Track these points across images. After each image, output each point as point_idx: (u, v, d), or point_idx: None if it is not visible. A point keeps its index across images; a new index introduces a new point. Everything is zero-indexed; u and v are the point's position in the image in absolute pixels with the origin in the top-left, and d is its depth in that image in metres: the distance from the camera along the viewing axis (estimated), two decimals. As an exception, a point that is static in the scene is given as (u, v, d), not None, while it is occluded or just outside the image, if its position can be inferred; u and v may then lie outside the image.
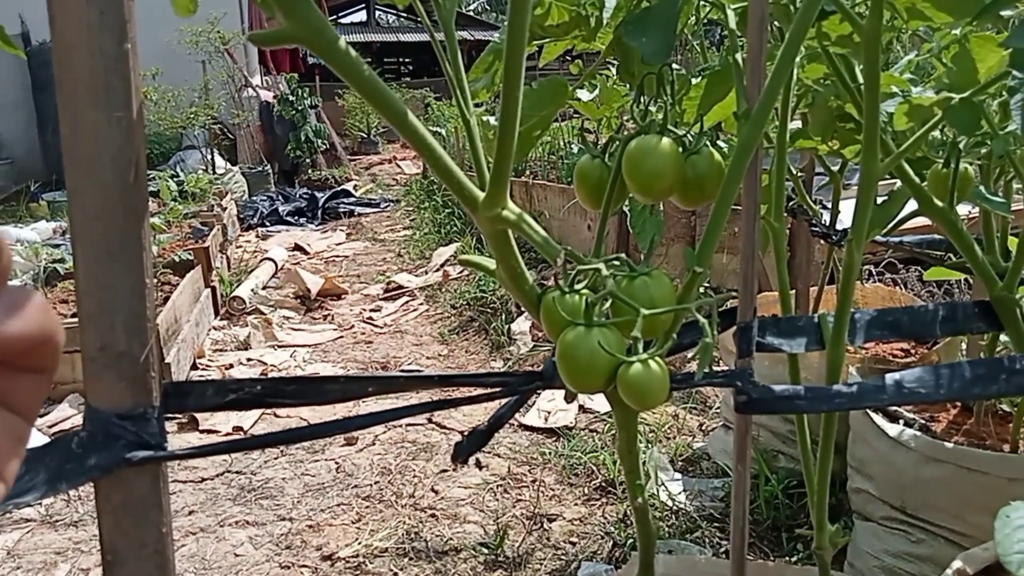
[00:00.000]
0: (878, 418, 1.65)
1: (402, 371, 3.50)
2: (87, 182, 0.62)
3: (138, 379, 0.65)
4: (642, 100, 0.76)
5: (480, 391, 0.78)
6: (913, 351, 2.10)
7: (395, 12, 18.60)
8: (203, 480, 2.56)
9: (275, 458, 2.68)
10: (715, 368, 2.93)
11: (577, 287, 0.66)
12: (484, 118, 0.95)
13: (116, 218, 0.62)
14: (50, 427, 2.86)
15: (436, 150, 0.57)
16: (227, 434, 2.84)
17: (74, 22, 0.60)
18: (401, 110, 0.56)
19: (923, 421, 1.65)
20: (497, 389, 0.77)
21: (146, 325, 0.65)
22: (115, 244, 0.63)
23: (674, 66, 0.94)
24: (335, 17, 17.16)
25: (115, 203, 0.62)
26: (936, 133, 1.05)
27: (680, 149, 0.71)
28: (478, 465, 2.50)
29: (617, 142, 0.74)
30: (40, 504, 2.36)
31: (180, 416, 2.92)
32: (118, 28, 0.61)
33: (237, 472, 2.59)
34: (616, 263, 0.69)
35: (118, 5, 0.61)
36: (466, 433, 0.80)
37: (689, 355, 0.74)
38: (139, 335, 0.65)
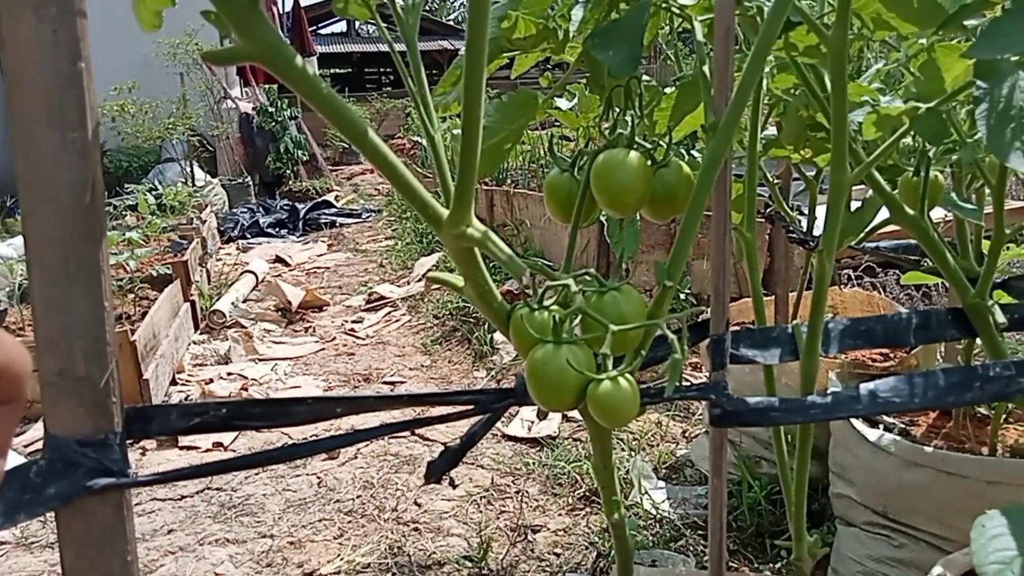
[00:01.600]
0: (858, 423, 1.65)
1: (384, 383, 3.48)
2: (42, 204, 0.60)
3: (98, 404, 0.64)
4: (611, 113, 0.75)
5: (454, 409, 0.77)
6: (892, 356, 2.11)
7: (369, 19, 18.56)
8: (182, 497, 2.52)
9: (256, 474, 2.64)
10: (697, 375, 2.91)
11: (546, 303, 0.65)
12: (456, 131, 0.94)
13: (73, 241, 0.61)
14: (26, 447, 2.82)
15: (397, 168, 0.56)
16: (207, 450, 2.81)
17: (25, 39, 0.59)
18: (362, 127, 0.55)
19: (903, 426, 1.66)
20: (470, 407, 0.76)
21: (106, 349, 0.63)
22: (72, 267, 0.61)
23: (645, 77, 0.93)
24: (315, 28, 17.11)
25: (71, 225, 0.61)
26: (908, 140, 1.05)
27: (648, 162, 0.71)
28: (451, 484, 2.47)
29: (586, 156, 0.73)
30: (16, 526, 2.31)
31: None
32: (71, 47, 0.59)
33: (217, 489, 2.56)
34: (586, 278, 0.68)
35: (71, 23, 0.59)
36: (440, 451, 0.79)
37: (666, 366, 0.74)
38: (99, 359, 0.63)
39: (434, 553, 2.13)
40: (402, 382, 3.47)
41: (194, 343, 4.00)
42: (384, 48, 17.16)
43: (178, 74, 7.95)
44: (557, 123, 1.17)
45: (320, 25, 18.97)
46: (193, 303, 4.17)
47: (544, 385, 0.61)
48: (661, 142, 0.76)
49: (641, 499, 2.21)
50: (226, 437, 2.88)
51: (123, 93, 6.81)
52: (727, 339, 0.76)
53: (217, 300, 4.48)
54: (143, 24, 0.75)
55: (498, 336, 3.66)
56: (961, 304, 0.92)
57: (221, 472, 0.82)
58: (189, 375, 3.60)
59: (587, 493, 2.35)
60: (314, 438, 0.83)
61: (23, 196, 0.61)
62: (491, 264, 0.70)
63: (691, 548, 2.01)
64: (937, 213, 1.56)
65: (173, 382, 3.47)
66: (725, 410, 0.75)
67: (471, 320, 3.94)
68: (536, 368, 0.60)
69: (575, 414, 2.85)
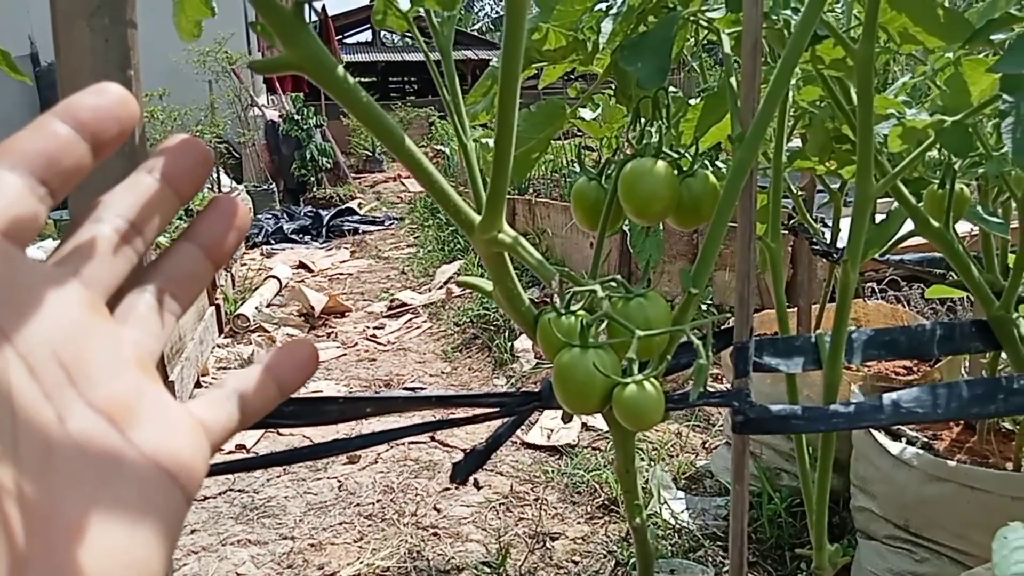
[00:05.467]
0: (880, 436, 1.65)
1: (405, 389, 3.51)
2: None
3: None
4: (639, 123, 0.77)
5: (479, 411, 0.79)
6: (916, 368, 2.09)
7: (406, 30, 18.75)
8: (205, 498, 2.55)
9: (277, 476, 2.67)
10: (717, 386, 2.92)
11: (573, 308, 0.67)
12: (484, 140, 0.96)
13: (118, 241, 0.63)
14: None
15: (433, 174, 0.58)
16: (229, 452, 2.84)
17: (78, 49, 0.61)
18: (399, 136, 0.57)
19: (925, 439, 1.65)
20: (495, 409, 0.78)
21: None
22: (117, 267, 0.64)
23: (671, 89, 0.95)
24: (341, 37, 17.31)
25: (117, 226, 0.63)
26: (934, 153, 1.06)
27: (675, 172, 0.72)
28: (476, 485, 2.49)
29: (613, 164, 0.75)
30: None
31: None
32: (122, 55, 0.62)
33: (239, 491, 2.59)
34: (612, 284, 0.69)
35: (122, 33, 0.62)
36: (466, 452, 0.81)
37: (689, 373, 0.75)
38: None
39: (453, 558, 2.15)
40: (423, 388, 3.49)
41: (218, 347, 4.05)
42: (408, 58, 17.31)
43: (207, 82, 8.09)
44: (579, 133, 1.18)
45: (346, 34, 19.19)
46: (218, 307, 4.23)
47: (571, 388, 0.62)
48: (687, 152, 0.77)
49: (660, 509, 2.21)
50: (248, 440, 2.92)
51: (153, 99, 6.93)
52: (751, 347, 0.77)
53: (241, 304, 4.54)
54: (182, 33, 0.78)
55: (518, 344, 3.67)
56: (986, 317, 0.92)
57: (247, 470, 0.84)
58: (213, 378, 3.64)
59: (606, 502, 2.35)
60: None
61: (72, 200, 0.63)
62: (515, 270, 0.72)
63: (710, 559, 2.01)
64: (963, 227, 1.55)
65: (198, 384, 3.52)
66: (748, 417, 0.75)
67: (492, 328, 3.96)
68: (563, 371, 0.62)
69: (595, 424, 2.86)
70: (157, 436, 0.25)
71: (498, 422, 0.81)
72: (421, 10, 0.71)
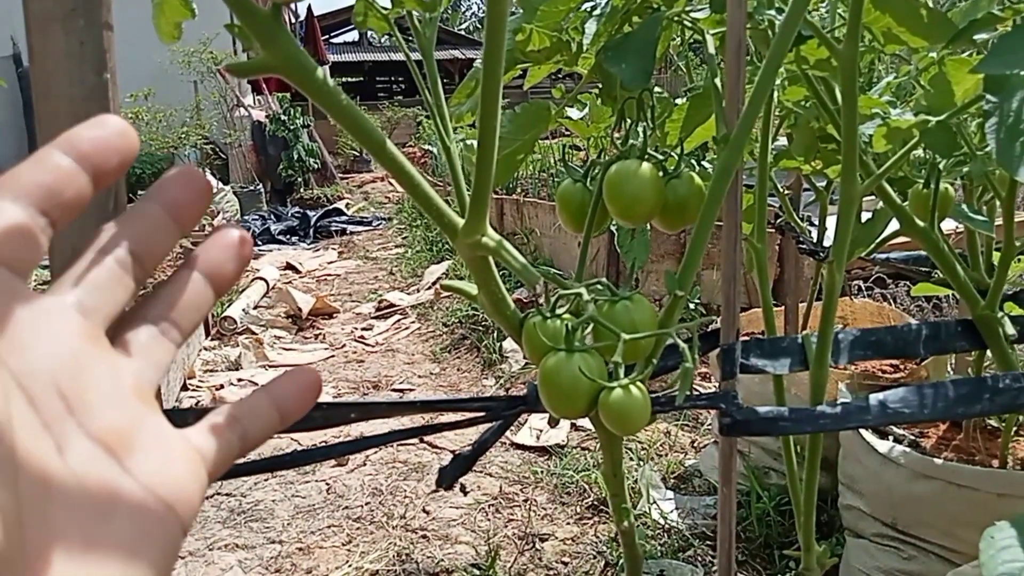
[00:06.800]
0: (868, 434, 1.65)
1: (393, 390, 3.49)
2: (66, 211, 0.61)
3: (118, 408, 0.65)
4: (623, 124, 0.76)
5: (464, 416, 0.78)
6: (902, 366, 2.10)
7: (387, 32, 18.71)
8: (193, 503, 2.53)
9: (265, 480, 2.66)
10: (707, 386, 2.92)
11: (559, 312, 0.66)
12: (469, 141, 0.95)
13: (96, 247, 0.62)
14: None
15: (415, 178, 0.57)
16: (217, 456, 2.82)
17: (53, 52, 0.60)
18: (380, 139, 0.56)
19: (913, 437, 1.65)
20: (481, 414, 0.77)
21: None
22: (95, 273, 0.63)
23: (657, 89, 0.94)
24: (327, 37, 17.24)
25: (94, 233, 0.62)
26: (919, 152, 1.06)
27: (660, 173, 0.72)
28: (462, 490, 2.48)
29: (598, 166, 0.74)
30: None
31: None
32: (98, 58, 0.61)
33: (227, 494, 2.57)
34: (598, 287, 0.69)
35: (98, 36, 0.61)
36: (454, 454, 0.80)
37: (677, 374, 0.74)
38: (119, 364, 0.64)
39: (442, 560, 2.14)
40: (411, 389, 3.48)
41: (205, 349, 4.03)
42: (395, 57, 17.29)
43: (192, 82, 8.04)
44: (567, 132, 1.18)
45: (333, 34, 19.12)
46: (204, 309, 4.19)
47: (556, 392, 0.61)
48: (673, 153, 0.77)
49: (649, 509, 2.21)
50: (236, 443, 2.89)
51: (138, 100, 6.89)
52: (737, 349, 0.76)
53: (228, 307, 4.51)
54: (162, 36, 0.77)
55: (507, 344, 3.66)
56: (971, 316, 0.92)
57: (231, 477, 0.83)
58: (200, 381, 3.62)
59: (595, 502, 2.35)
60: (323, 444, 0.84)
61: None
62: (502, 272, 0.71)
63: (700, 558, 2.01)
64: (949, 225, 1.56)
65: (184, 388, 3.49)
66: (735, 419, 0.75)
67: (480, 328, 3.95)
68: (549, 376, 0.61)
69: (584, 423, 2.86)
70: (155, 467, 0.25)
71: (486, 424, 0.81)
72: (403, 11, 0.71)
